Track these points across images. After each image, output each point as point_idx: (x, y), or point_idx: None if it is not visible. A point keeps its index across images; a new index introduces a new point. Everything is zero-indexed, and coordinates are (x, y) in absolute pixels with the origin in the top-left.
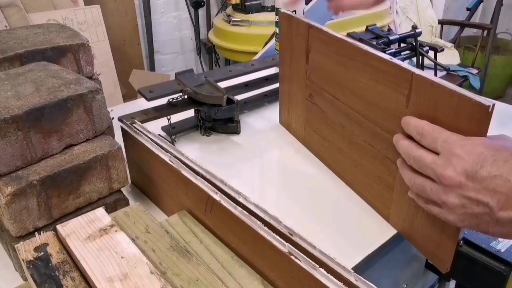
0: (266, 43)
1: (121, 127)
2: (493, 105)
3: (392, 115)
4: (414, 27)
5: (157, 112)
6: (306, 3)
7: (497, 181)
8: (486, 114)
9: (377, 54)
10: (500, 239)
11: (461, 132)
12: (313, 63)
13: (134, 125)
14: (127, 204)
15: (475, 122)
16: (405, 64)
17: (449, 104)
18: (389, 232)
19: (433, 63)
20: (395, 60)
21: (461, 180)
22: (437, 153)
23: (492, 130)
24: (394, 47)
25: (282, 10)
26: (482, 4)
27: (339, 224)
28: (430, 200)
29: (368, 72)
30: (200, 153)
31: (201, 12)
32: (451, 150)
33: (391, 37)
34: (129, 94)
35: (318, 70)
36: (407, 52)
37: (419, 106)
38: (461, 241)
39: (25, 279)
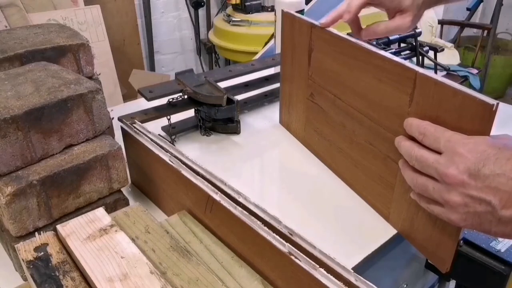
0: (266, 43)
1: (121, 127)
2: (497, 104)
3: (394, 114)
4: (414, 27)
5: (157, 112)
6: (306, 3)
7: (499, 180)
8: (490, 113)
9: (381, 53)
10: (500, 239)
11: (464, 131)
12: (315, 63)
13: (134, 125)
14: (127, 204)
15: (479, 121)
16: (408, 63)
17: (453, 103)
18: (389, 232)
19: (433, 63)
20: (399, 59)
21: (463, 178)
22: (439, 153)
23: (492, 130)
24: (394, 47)
25: (285, 9)
26: (482, 4)
27: (339, 224)
28: (432, 200)
29: (371, 71)
30: (200, 153)
31: (201, 12)
32: (454, 149)
33: (391, 37)
34: (129, 94)
35: (320, 69)
36: (407, 52)
37: (422, 105)
38: (461, 241)
39: (25, 279)
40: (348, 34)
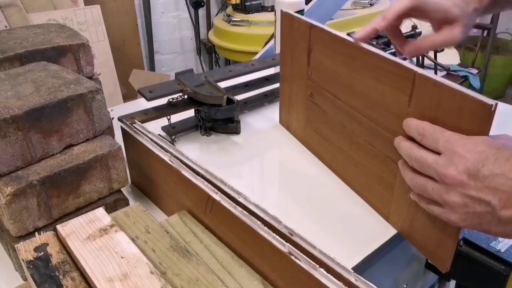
0: (266, 43)
1: (121, 127)
2: (496, 104)
3: (393, 114)
4: (414, 27)
5: (157, 112)
6: (306, 3)
7: (498, 180)
8: (488, 113)
9: (379, 53)
10: (500, 239)
11: (463, 132)
12: (315, 63)
13: (134, 125)
14: (127, 204)
15: (478, 121)
16: (407, 63)
17: (452, 103)
18: (389, 232)
19: (433, 63)
20: (398, 59)
21: (462, 178)
22: (438, 153)
23: (492, 130)
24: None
25: (284, 10)
26: None
27: (339, 224)
28: (432, 200)
29: (370, 71)
30: (200, 153)
31: (201, 12)
32: (453, 149)
33: None
34: (129, 94)
35: (319, 69)
36: None
37: (421, 105)
38: (461, 241)
39: (25, 279)
40: (348, 34)
